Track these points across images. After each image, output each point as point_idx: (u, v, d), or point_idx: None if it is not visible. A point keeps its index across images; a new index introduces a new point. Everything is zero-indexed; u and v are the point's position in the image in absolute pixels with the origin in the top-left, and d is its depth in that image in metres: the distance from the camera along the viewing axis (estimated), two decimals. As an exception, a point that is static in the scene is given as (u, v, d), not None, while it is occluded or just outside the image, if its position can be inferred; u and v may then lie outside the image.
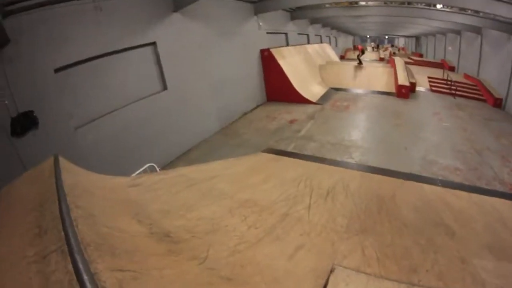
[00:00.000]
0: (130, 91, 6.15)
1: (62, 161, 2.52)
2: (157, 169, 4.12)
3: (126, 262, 1.46)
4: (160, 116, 6.61)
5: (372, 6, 13.87)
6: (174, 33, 7.21)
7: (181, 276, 1.53)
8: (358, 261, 2.03)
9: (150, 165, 4.06)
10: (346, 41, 35.27)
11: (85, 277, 1.18)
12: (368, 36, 45.01)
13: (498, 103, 10.35)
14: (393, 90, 11.85)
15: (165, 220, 2.14)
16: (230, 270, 1.68)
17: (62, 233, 1.48)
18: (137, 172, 3.79)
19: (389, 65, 14.56)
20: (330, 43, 23.40)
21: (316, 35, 19.95)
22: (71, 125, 5.03)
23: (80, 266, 1.25)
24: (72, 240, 1.42)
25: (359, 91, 12.36)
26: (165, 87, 6.99)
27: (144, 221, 2.07)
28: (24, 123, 4.64)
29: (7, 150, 4.45)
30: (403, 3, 12.85)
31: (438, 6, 12.01)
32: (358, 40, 43.13)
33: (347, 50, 30.93)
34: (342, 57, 25.50)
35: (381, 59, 21.80)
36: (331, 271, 1.93)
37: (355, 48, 32.46)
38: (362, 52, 16.00)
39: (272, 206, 2.64)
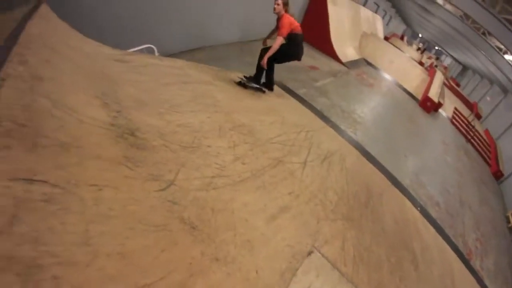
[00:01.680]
0: None
1: (44, 9, 1.84)
2: (156, 53, 3.42)
3: (51, 163, 0.90)
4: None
5: (446, 10, 12.61)
6: None
7: (127, 206, 0.98)
8: (336, 254, 1.80)
9: (148, 46, 3.34)
10: (397, 27, 32.77)
11: None
12: (420, 35, 42.05)
13: (498, 175, 10.19)
14: (419, 97, 11.16)
15: (137, 113, 1.54)
16: (196, 213, 1.17)
17: None
18: (134, 49, 3.11)
19: (427, 72, 13.59)
20: (383, 18, 21.57)
21: (375, 3, 18.31)
22: None
23: None
24: None
25: (388, 77, 11.57)
26: None
27: (111, 105, 1.48)
28: None
29: None
30: (478, 29, 11.60)
31: (508, 57, 10.89)
32: (409, 33, 40.34)
33: (394, 34, 28.89)
34: (386, 39, 23.86)
35: (421, 63, 20.65)
36: (308, 253, 1.60)
37: (402, 37, 30.44)
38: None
39: (267, 144, 2.17)
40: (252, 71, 4.01)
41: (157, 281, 0.85)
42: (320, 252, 1.67)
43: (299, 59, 3.97)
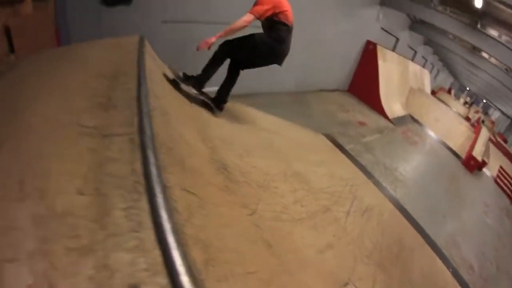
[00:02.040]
0: (230, 13, 5.96)
1: (147, 45, 2.48)
2: None
3: (191, 182, 1.35)
4: None
5: (493, 64, 12.58)
6: None
7: (234, 223, 1.46)
8: (366, 290, 2.15)
9: (216, 89, 4.01)
10: (445, 80, 32.62)
11: (157, 190, 0.97)
12: (468, 88, 41.14)
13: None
14: (463, 154, 10.89)
15: (225, 151, 2.08)
16: (271, 236, 1.61)
17: (136, 118, 1.27)
18: (207, 89, 3.78)
19: (472, 128, 13.44)
20: (431, 72, 21.72)
21: (423, 57, 18.58)
22: (159, 17, 5.05)
23: (152, 170, 1.03)
24: (147, 133, 1.19)
25: (433, 135, 11.50)
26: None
27: (207, 142, 2.02)
28: None
29: (93, 15, 4.55)
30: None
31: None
32: (456, 86, 39.77)
33: (441, 89, 28.65)
34: (433, 93, 23.68)
35: (467, 119, 20.05)
36: (345, 284, 1.95)
37: (449, 91, 30.03)
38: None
39: (319, 193, 2.58)
40: (304, 121, 4.31)
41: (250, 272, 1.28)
42: (354, 285, 1.98)
43: (280, 63, 2.93)
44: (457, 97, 33.72)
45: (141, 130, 1.20)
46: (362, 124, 8.15)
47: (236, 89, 6.73)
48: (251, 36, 2.63)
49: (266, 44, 2.64)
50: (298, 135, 3.75)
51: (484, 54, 12.49)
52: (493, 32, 9.20)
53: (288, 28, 2.67)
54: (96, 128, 1.21)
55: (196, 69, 3.37)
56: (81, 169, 1.02)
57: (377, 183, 4.75)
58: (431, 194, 6.52)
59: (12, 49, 3.07)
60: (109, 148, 1.12)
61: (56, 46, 4.16)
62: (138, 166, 1.05)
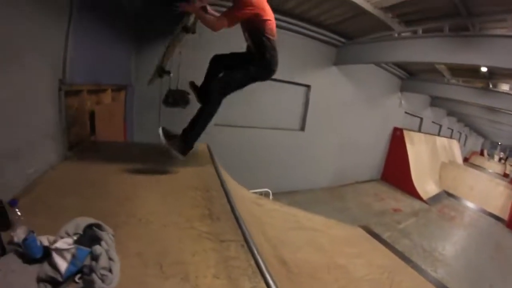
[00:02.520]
0: (271, 118, 7.20)
1: (212, 152, 3.40)
2: (271, 195, 4.86)
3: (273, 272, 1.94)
4: (285, 150, 7.53)
5: None
6: (327, 83, 8.17)
7: None
8: None
9: (266, 190, 4.81)
10: (475, 143, 32.25)
11: (268, 277, 1.45)
12: (499, 143, 39.77)
13: None
14: (506, 217, 10.51)
15: (281, 249, 2.73)
16: None
17: (239, 230, 1.91)
18: (255, 190, 4.56)
19: (510, 185, 13.06)
20: (459, 140, 21.88)
21: (448, 128, 19.02)
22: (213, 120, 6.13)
23: (261, 264, 1.55)
24: (249, 240, 1.79)
25: (471, 204, 11.43)
26: (302, 128, 8.01)
27: (268, 241, 2.69)
28: (177, 97, 5.84)
29: (154, 109, 5.62)
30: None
31: None
32: (487, 144, 38.80)
33: (473, 153, 28.25)
34: (466, 160, 23.38)
35: (506, 175, 19.19)
36: None
37: (481, 153, 29.37)
38: None
39: (359, 282, 3.02)
40: (342, 215, 4.77)
41: None
42: None
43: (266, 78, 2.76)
44: (491, 156, 32.79)
45: (245, 239, 1.80)
46: (397, 210, 8.56)
47: (279, 187, 7.68)
48: (247, 71, 2.62)
49: (261, 77, 2.71)
50: (337, 231, 4.22)
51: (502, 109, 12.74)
52: (505, 87, 9.69)
53: (274, 45, 2.60)
54: (211, 234, 1.78)
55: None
56: (211, 262, 1.53)
57: (415, 267, 4.90)
58: (475, 266, 6.51)
59: (93, 131, 3.91)
60: (228, 249, 1.67)
61: (123, 132, 5.17)
62: (252, 262, 1.59)
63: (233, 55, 2.88)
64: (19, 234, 1.31)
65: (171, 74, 5.80)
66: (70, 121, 3.30)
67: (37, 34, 2.37)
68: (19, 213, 1.41)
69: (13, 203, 1.41)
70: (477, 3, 5.17)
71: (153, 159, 3.24)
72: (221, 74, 2.80)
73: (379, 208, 8.55)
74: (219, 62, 2.90)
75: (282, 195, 7.04)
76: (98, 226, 1.50)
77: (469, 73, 9.47)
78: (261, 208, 3.57)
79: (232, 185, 3.36)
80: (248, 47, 2.76)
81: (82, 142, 3.55)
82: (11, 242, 1.34)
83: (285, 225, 3.47)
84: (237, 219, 2.04)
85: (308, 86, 8.07)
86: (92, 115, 3.88)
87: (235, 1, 2.41)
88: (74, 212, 1.72)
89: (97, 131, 3.96)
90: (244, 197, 3.50)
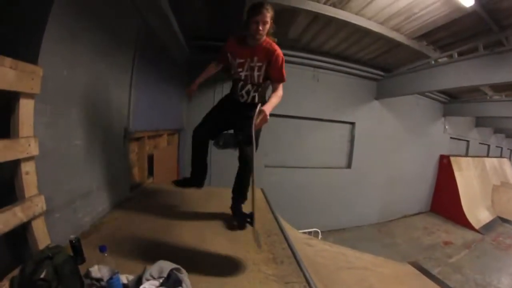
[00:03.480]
0: (318, 158, 7.35)
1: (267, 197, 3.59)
2: (320, 235, 4.93)
3: None
4: (332, 189, 7.64)
5: None
6: (371, 118, 8.25)
7: None
8: None
9: (315, 230, 4.88)
10: (528, 157, 29.72)
11: None
12: None
13: None
14: None
15: None
16: None
17: (301, 272, 2.04)
18: (304, 231, 4.66)
19: None
20: (510, 157, 20.38)
21: (497, 146, 17.89)
22: (263, 162, 6.37)
23: None
24: (310, 282, 1.91)
25: (528, 227, 10.49)
26: (349, 165, 8.11)
27: (321, 281, 2.80)
28: (228, 140, 6.12)
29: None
30: None
31: None
32: None
33: (527, 169, 26.05)
34: (519, 178, 21.63)
35: None
36: None
37: None
38: None
39: None
40: (390, 251, 4.49)
41: None
42: None
43: None
44: None
45: (307, 280, 1.91)
46: (447, 243, 8.19)
47: (327, 226, 7.69)
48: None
49: None
50: (386, 269, 4.17)
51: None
52: None
53: None
54: (276, 276, 1.93)
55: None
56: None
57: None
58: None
59: (151, 173, 4.21)
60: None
61: (176, 174, 5.48)
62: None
63: (224, 116, 2.72)
64: (103, 272, 1.46)
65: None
66: (132, 164, 3.71)
67: (108, 89, 2.83)
68: (106, 254, 1.56)
69: (103, 249, 1.54)
70: (506, 15, 5.03)
71: (212, 203, 3.45)
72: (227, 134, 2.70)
73: (428, 242, 8.18)
74: (213, 134, 2.69)
75: (330, 234, 7.05)
76: (178, 270, 1.65)
77: (511, 86, 9.02)
78: (313, 248, 3.68)
79: (285, 226, 3.53)
80: (240, 95, 2.58)
81: (142, 184, 3.91)
82: (87, 276, 1.49)
83: (336, 264, 3.55)
84: (298, 262, 2.20)
85: (352, 123, 8.20)
86: (150, 158, 4.25)
87: (281, 63, 2.32)
88: (139, 253, 2.02)
89: (155, 173, 4.32)
90: (296, 238, 3.59)
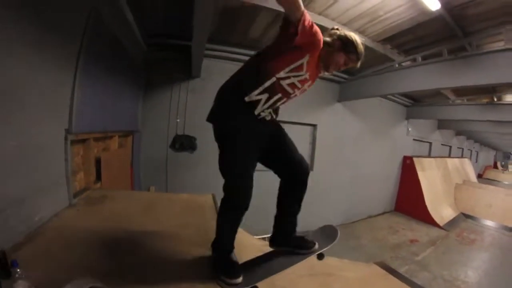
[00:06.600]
0: None
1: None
2: None
3: None
4: None
5: None
6: (333, 121, 8.21)
7: None
8: None
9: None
10: (487, 157, 31.60)
11: None
12: (511, 153, 38.81)
13: None
14: None
15: None
16: None
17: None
18: (263, 236, 4.47)
19: None
20: (471, 157, 21.51)
21: (458, 147, 18.76)
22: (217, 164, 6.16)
23: None
24: None
25: (490, 223, 11.00)
26: (311, 168, 7.85)
27: None
28: (184, 143, 5.93)
29: (162, 154, 5.76)
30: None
31: None
32: (500, 156, 37.96)
33: (486, 168, 27.69)
34: (480, 176, 22.88)
35: None
36: None
37: (495, 165, 28.85)
38: None
39: None
40: (356, 253, 4.38)
41: None
42: None
43: None
44: (505, 167, 32.19)
45: None
46: (413, 241, 8.33)
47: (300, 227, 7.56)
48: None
49: None
50: (351, 272, 4.04)
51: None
52: (510, 98, 9.53)
53: None
54: None
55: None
56: None
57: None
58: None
59: (99, 177, 3.90)
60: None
61: (130, 178, 5.18)
62: None
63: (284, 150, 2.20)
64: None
65: (178, 120, 5.97)
66: (76, 168, 3.37)
67: (43, 85, 2.47)
68: (18, 271, 1.45)
69: (14, 264, 1.44)
70: (471, 21, 5.15)
71: (158, 210, 3.22)
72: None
73: (394, 241, 8.28)
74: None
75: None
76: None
77: (472, 90, 9.39)
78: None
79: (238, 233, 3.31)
80: (266, 114, 1.90)
81: (87, 189, 3.58)
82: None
83: (296, 272, 3.35)
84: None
85: (314, 126, 8.14)
86: (99, 162, 3.93)
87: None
88: (75, 266, 1.78)
89: (103, 177, 4.00)
90: (252, 245, 3.37)
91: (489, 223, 11.07)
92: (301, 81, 1.80)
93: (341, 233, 6.92)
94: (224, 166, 1.86)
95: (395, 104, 11.00)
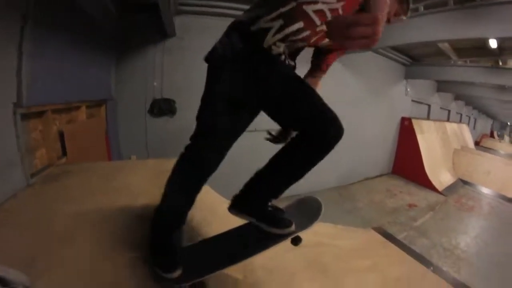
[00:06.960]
0: (271, 120, 6.69)
1: None
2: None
3: None
4: None
5: None
6: (331, 79, 7.65)
7: None
8: None
9: None
10: (485, 125, 31.55)
11: None
12: (508, 123, 38.86)
13: None
14: None
15: (268, 283, 2.33)
16: None
17: None
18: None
19: None
20: (468, 124, 21.23)
21: (457, 113, 18.40)
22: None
23: None
24: None
25: (489, 191, 10.81)
26: None
27: (248, 276, 2.32)
28: (163, 107, 5.57)
29: (140, 123, 5.39)
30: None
31: None
32: (497, 126, 37.91)
33: (483, 136, 27.63)
34: (477, 143, 22.73)
35: None
36: None
37: (491, 135, 28.77)
38: None
39: None
40: (352, 217, 4.08)
41: None
42: None
43: None
44: (502, 137, 32.32)
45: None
46: (412, 206, 8.08)
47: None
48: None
49: None
50: (346, 240, 3.75)
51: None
52: None
53: None
54: None
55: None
56: None
57: (437, 270, 4.48)
58: (503, 263, 5.91)
59: (64, 152, 3.59)
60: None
61: (106, 148, 4.82)
62: None
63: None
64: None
65: (155, 84, 5.51)
66: (34, 145, 3.05)
67: None
68: None
69: None
70: None
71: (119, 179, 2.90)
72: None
73: (392, 205, 8.03)
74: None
75: (283, 201, 6.52)
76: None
77: (476, 51, 8.81)
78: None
79: (211, 199, 2.97)
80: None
81: (51, 166, 3.23)
82: None
83: (281, 245, 3.01)
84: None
85: None
86: (62, 136, 3.55)
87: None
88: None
89: (69, 152, 3.61)
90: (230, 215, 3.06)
91: (487, 190, 10.90)
92: (332, 11, 1.25)
93: (336, 196, 6.69)
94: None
95: (393, 62, 10.46)
